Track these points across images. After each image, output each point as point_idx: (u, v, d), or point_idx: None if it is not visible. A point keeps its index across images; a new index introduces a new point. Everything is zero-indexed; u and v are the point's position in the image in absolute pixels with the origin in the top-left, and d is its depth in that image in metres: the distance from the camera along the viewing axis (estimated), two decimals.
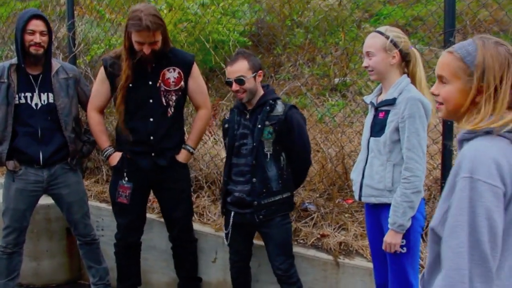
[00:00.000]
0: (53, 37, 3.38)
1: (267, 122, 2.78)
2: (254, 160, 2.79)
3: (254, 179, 2.80)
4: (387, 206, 2.42)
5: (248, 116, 2.86)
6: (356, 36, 4.57)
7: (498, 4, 3.97)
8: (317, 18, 4.53)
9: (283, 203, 2.85)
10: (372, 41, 2.47)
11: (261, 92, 2.86)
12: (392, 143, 2.39)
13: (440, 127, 3.13)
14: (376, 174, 2.44)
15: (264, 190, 2.79)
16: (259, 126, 2.78)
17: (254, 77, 2.80)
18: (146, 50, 2.87)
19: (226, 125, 2.96)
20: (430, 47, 4.13)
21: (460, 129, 1.48)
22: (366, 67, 2.51)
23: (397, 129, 2.37)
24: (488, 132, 1.40)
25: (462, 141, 1.47)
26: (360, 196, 2.53)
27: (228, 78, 2.82)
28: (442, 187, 3.06)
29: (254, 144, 2.78)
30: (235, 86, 2.79)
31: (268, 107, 2.80)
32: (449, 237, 1.36)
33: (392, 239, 2.37)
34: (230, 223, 2.90)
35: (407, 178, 2.33)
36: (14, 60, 3.17)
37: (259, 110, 2.82)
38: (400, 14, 4.97)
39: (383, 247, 2.42)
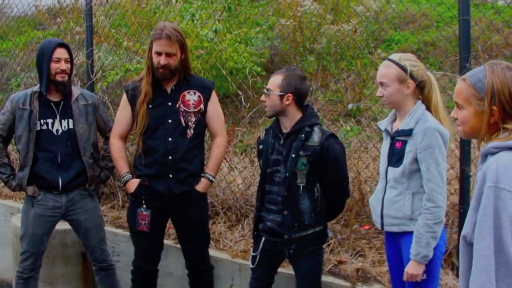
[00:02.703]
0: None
1: (301, 152, 2.60)
2: (286, 191, 2.63)
3: (285, 212, 2.64)
4: (407, 233, 2.40)
5: (282, 142, 2.69)
6: (370, 62, 4.61)
7: (511, 28, 4.00)
8: (331, 45, 4.58)
9: (314, 237, 2.68)
10: (386, 71, 2.43)
11: (297, 116, 2.68)
12: (410, 173, 2.37)
13: (457, 152, 3.12)
14: (394, 204, 2.42)
15: (296, 224, 2.64)
16: (293, 155, 2.61)
17: (281, 97, 2.64)
18: (163, 60, 2.94)
19: (261, 147, 2.81)
20: (445, 73, 4.14)
21: (484, 144, 1.65)
22: (380, 96, 2.49)
23: (415, 160, 2.35)
24: (511, 148, 1.56)
25: (486, 155, 1.63)
26: (382, 225, 2.52)
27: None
28: (460, 213, 3.04)
29: (287, 174, 2.62)
30: (263, 96, 2.75)
31: (303, 135, 2.62)
32: (477, 241, 1.52)
33: (414, 270, 2.33)
34: (260, 248, 2.78)
35: (429, 209, 2.30)
36: (36, 88, 3.24)
37: (294, 137, 2.64)
38: (413, 40, 5.01)
39: (404, 278, 2.37)
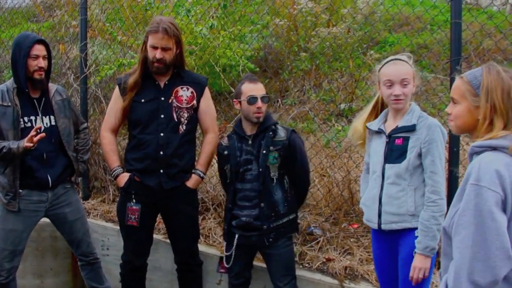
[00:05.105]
0: (65, 58, 3.43)
1: (271, 148, 2.83)
2: (262, 185, 2.83)
3: (262, 204, 2.84)
4: (407, 231, 2.41)
5: (250, 142, 2.88)
6: (362, 63, 4.64)
7: (502, 34, 4.05)
8: (325, 45, 4.60)
9: (289, 225, 2.90)
10: (406, 69, 2.44)
11: None
12: (413, 168, 2.40)
13: (446, 154, 3.15)
14: (396, 200, 2.43)
15: (273, 214, 2.84)
16: (264, 151, 2.82)
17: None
18: (158, 54, 2.93)
19: (226, 152, 2.94)
20: (437, 75, 4.19)
21: (471, 144, 1.74)
22: (398, 95, 2.43)
23: (419, 154, 2.39)
24: (494, 148, 1.64)
25: (472, 155, 1.72)
26: (379, 224, 2.49)
27: (252, 95, 2.82)
28: None
29: (260, 169, 2.82)
30: (261, 104, 2.83)
31: (271, 133, 2.85)
32: (455, 234, 1.62)
33: (423, 264, 2.32)
34: (234, 245, 2.92)
35: (435, 201, 2.33)
36: (10, 83, 3.12)
37: (262, 136, 2.86)
38: (406, 42, 5.05)
39: (411, 274, 2.35)
